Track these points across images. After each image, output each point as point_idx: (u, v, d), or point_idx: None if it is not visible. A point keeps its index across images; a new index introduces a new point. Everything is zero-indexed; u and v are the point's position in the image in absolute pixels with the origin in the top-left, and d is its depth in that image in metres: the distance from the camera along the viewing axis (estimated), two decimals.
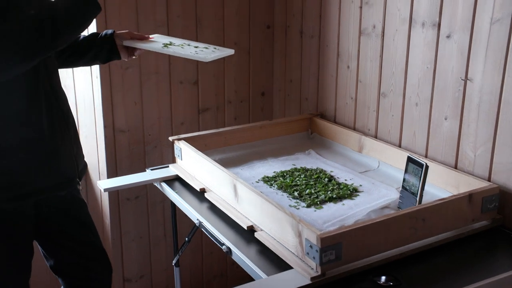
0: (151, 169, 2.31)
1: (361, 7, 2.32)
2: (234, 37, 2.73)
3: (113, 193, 2.58)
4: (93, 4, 1.54)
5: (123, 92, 2.50)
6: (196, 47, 1.87)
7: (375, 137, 2.32)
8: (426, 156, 2.09)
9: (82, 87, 2.60)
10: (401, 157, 2.09)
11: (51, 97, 1.62)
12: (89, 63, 1.88)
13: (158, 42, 1.87)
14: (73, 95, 2.69)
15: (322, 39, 2.57)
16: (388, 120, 2.26)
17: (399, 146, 2.21)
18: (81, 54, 1.81)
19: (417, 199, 1.74)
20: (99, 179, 2.61)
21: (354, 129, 2.44)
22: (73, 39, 1.61)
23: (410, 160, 1.81)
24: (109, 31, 1.84)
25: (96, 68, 2.43)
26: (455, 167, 1.98)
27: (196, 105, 2.72)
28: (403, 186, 1.83)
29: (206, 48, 1.86)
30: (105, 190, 2.12)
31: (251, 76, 2.86)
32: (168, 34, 2.50)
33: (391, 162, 2.17)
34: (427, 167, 1.74)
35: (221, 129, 2.46)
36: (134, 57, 1.89)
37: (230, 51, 1.88)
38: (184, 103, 2.68)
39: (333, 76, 2.54)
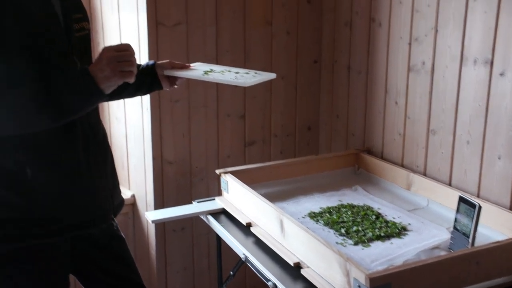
0: (198, 202, 2.33)
1: (410, 44, 2.31)
2: (282, 71, 2.76)
3: (160, 224, 2.61)
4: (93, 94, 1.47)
5: (172, 124, 2.55)
6: (236, 72, 1.85)
7: (424, 174, 2.28)
8: (478, 196, 2.03)
9: (133, 119, 2.67)
10: (451, 196, 2.04)
11: (89, 132, 1.62)
12: (132, 94, 1.89)
13: (198, 70, 1.86)
14: (124, 126, 2.76)
15: (370, 74, 2.56)
16: (437, 157, 2.22)
17: (449, 184, 2.16)
18: (123, 86, 1.83)
19: (470, 240, 1.69)
20: (146, 210, 2.65)
21: (402, 165, 2.41)
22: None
23: (461, 200, 1.77)
24: (150, 62, 1.85)
25: (146, 100, 2.49)
26: (510, 208, 1.91)
27: (243, 138, 2.75)
28: (454, 227, 1.78)
29: (247, 73, 1.84)
30: (153, 221, 2.14)
31: (297, 110, 2.87)
32: None
33: (441, 201, 2.13)
34: (480, 207, 1.69)
35: (267, 163, 2.47)
36: (175, 86, 1.89)
37: (271, 75, 1.85)
38: (231, 136, 2.71)
39: (381, 111, 2.52)
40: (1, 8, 1.35)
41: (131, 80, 1.47)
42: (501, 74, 1.91)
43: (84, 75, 1.42)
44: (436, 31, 2.17)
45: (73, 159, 1.56)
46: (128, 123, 2.73)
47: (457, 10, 2.06)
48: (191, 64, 1.89)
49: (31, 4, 1.42)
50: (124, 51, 1.45)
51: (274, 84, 2.74)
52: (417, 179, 2.26)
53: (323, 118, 2.92)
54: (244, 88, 2.67)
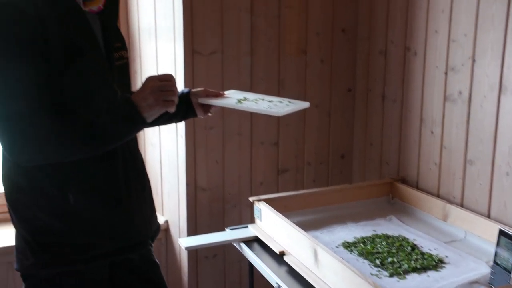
0: (231, 229, 2.33)
1: (446, 73, 2.29)
2: (316, 99, 2.77)
3: (192, 250, 2.61)
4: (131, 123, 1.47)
5: (206, 151, 2.57)
6: (270, 101, 1.84)
7: (461, 205, 2.24)
8: None
9: (167, 146, 2.70)
10: (490, 228, 2.00)
11: (129, 158, 1.64)
12: (167, 121, 1.90)
13: (232, 98, 1.86)
14: (158, 153, 2.80)
15: (405, 103, 2.55)
16: (475, 188, 2.18)
17: (488, 216, 2.11)
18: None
19: None
20: (179, 236, 2.66)
21: (438, 196, 2.37)
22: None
23: (502, 233, 1.72)
24: (185, 90, 1.87)
25: (181, 127, 2.52)
26: None
27: (276, 166, 2.75)
28: (494, 261, 1.74)
29: (280, 102, 1.83)
30: (186, 248, 2.15)
31: (331, 138, 2.86)
32: None
33: (479, 233, 2.08)
34: None
35: (300, 191, 2.46)
36: (210, 114, 1.90)
37: (305, 104, 1.84)
38: (264, 163, 2.71)
39: (416, 141, 2.50)
40: (45, 36, 1.39)
41: (172, 109, 1.50)
42: None
43: (127, 103, 1.45)
44: (474, 60, 2.15)
45: (113, 186, 1.58)
46: (163, 149, 2.76)
47: (495, 39, 2.04)
48: (225, 92, 1.89)
49: (75, 34, 1.46)
50: (167, 81, 1.48)
51: (308, 112, 2.74)
52: (454, 210, 2.21)
53: (357, 147, 2.90)
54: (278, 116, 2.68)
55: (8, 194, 1.58)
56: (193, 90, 1.85)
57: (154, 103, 1.44)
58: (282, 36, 2.63)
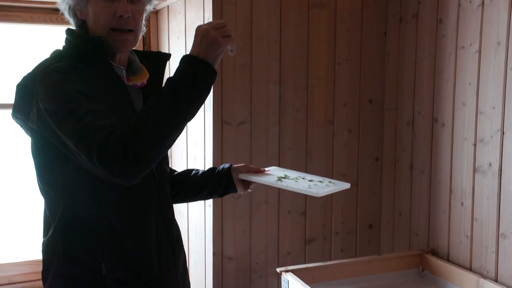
0: None
1: (475, 145, 2.29)
2: (343, 169, 2.77)
3: None
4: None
5: (233, 220, 2.57)
6: (310, 180, 1.82)
7: (495, 280, 2.18)
8: None
9: (195, 215, 2.71)
10: None
11: (162, 231, 1.63)
12: (206, 197, 1.91)
13: (273, 175, 1.86)
14: (186, 221, 2.81)
15: (433, 174, 2.53)
16: (510, 263, 2.12)
17: None
18: (199, 189, 1.85)
19: None
20: None
21: (470, 269, 2.31)
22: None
23: None
24: (226, 166, 1.87)
25: None
26: None
27: (303, 236, 2.73)
28: None
29: (321, 182, 1.81)
30: None
31: (358, 208, 2.84)
32: (279, 164, 2.59)
33: None
34: None
35: (328, 262, 2.43)
36: (249, 190, 1.90)
37: (345, 185, 1.82)
38: (291, 232, 2.70)
39: (446, 212, 2.46)
40: (82, 91, 1.41)
41: (234, 46, 1.39)
42: None
43: (184, 60, 1.35)
44: (503, 133, 2.14)
45: (144, 257, 1.58)
46: (191, 218, 2.77)
47: None
48: (267, 169, 1.89)
49: (116, 107, 1.48)
50: (217, 22, 1.39)
51: None
52: (488, 285, 2.15)
53: (385, 216, 2.87)
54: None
55: (44, 261, 1.59)
56: (234, 165, 1.84)
57: (212, 42, 1.33)
58: (309, 106, 2.67)
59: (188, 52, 1.38)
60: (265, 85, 2.57)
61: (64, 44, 1.54)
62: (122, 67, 1.53)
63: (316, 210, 2.75)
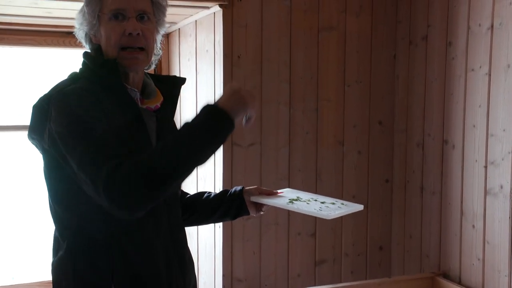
0: None
1: (486, 167, 2.28)
2: (353, 190, 2.77)
3: None
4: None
5: (243, 242, 2.56)
6: (322, 202, 1.79)
7: None
8: None
9: (204, 236, 2.71)
10: None
11: (172, 253, 1.61)
12: (218, 220, 1.89)
13: (285, 197, 1.83)
14: (196, 243, 2.80)
15: (444, 196, 2.52)
16: None
17: None
18: (211, 212, 1.82)
19: None
20: None
21: None
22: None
23: None
24: (238, 188, 1.84)
25: None
26: None
27: (313, 257, 2.71)
28: None
29: (333, 203, 1.78)
30: None
31: (368, 230, 2.83)
32: (289, 185, 2.59)
33: None
34: None
35: (338, 284, 2.42)
36: (262, 212, 1.88)
37: (358, 207, 1.78)
38: (301, 254, 2.68)
39: (457, 234, 2.45)
40: (95, 116, 1.41)
41: (254, 112, 1.45)
42: None
43: (208, 106, 1.38)
44: None
45: (155, 277, 1.57)
46: (200, 239, 2.77)
47: None
48: (280, 191, 1.87)
49: (129, 129, 1.48)
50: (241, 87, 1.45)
51: None
52: None
53: (395, 238, 2.86)
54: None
55: (54, 282, 1.59)
56: (247, 188, 1.82)
57: (240, 100, 1.38)
58: (319, 128, 2.68)
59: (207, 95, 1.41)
60: (275, 106, 2.59)
61: (81, 66, 1.56)
62: (136, 90, 1.54)
63: (326, 231, 2.74)
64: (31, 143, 1.56)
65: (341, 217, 2.73)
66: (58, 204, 1.54)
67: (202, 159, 1.37)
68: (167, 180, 1.32)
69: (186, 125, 1.36)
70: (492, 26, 2.23)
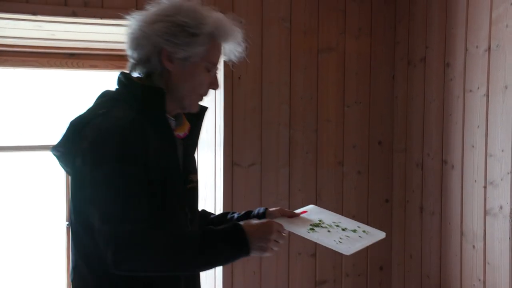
0: None
1: (485, 187, 2.29)
2: (353, 210, 2.78)
3: None
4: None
5: (244, 261, 2.56)
6: (344, 229, 1.72)
7: None
8: None
9: None
10: None
11: (189, 276, 1.59)
12: None
13: (306, 221, 1.76)
14: None
15: (444, 216, 2.53)
16: None
17: None
18: None
19: None
20: None
21: None
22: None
23: None
24: (261, 210, 1.79)
25: None
26: None
27: (313, 277, 2.71)
28: None
29: (355, 231, 1.71)
30: None
31: (369, 250, 2.83)
32: (289, 206, 2.60)
33: None
34: None
35: None
36: (283, 234, 1.85)
37: (379, 235, 1.73)
38: (301, 275, 2.68)
39: (457, 254, 2.45)
40: (134, 157, 1.41)
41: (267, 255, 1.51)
42: None
43: (242, 234, 1.43)
44: None
45: None
46: None
47: None
48: (304, 209, 1.83)
49: (166, 159, 1.49)
50: (280, 233, 1.49)
51: None
52: None
53: (396, 258, 2.85)
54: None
55: None
56: (270, 209, 1.79)
57: (264, 247, 1.45)
58: (319, 148, 2.70)
59: None
60: (275, 127, 2.61)
61: (117, 87, 1.53)
62: (173, 119, 1.54)
63: (327, 251, 2.72)
64: (54, 155, 1.53)
65: None
66: (79, 223, 1.47)
67: (201, 269, 1.48)
68: (162, 266, 1.38)
69: (208, 235, 1.41)
70: (489, 48, 2.25)
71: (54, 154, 1.54)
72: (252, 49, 2.55)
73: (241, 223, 1.47)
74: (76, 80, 3.08)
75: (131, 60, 1.51)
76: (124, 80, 1.51)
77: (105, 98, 1.52)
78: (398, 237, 2.84)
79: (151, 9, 1.50)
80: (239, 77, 2.54)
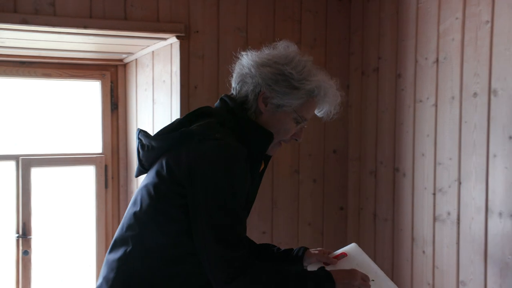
0: None
1: (434, 194, 2.37)
2: (308, 218, 2.82)
3: None
4: None
5: None
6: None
7: None
8: None
9: None
10: None
11: None
12: None
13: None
14: None
15: (396, 222, 2.60)
16: None
17: None
18: None
19: None
20: None
21: None
22: None
23: None
24: (302, 250, 1.82)
25: None
26: None
27: None
28: None
29: None
30: None
31: None
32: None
33: None
34: None
35: None
36: (368, 283, 1.76)
37: None
38: None
39: (408, 260, 2.51)
40: (242, 188, 1.48)
41: None
42: None
43: (330, 281, 1.51)
44: (460, 183, 2.23)
45: None
46: None
47: (478, 164, 2.14)
48: (346, 248, 1.85)
49: (250, 190, 1.58)
50: (365, 282, 1.58)
51: (301, 230, 2.78)
52: None
53: None
54: (271, 231, 2.73)
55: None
56: (311, 251, 1.81)
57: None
58: (275, 157, 2.72)
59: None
60: None
61: (222, 111, 1.57)
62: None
63: None
64: (148, 145, 1.56)
65: (298, 245, 2.77)
66: (152, 220, 1.51)
67: None
68: None
69: (301, 277, 1.50)
70: (437, 60, 2.34)
71: (147, 144, 1.55)
72: (208, 58, 2.57)
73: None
74: (28, 89, 3.04)
75: (232, 91, 1.62)
76: (235, 109, 1.56)
77: (211, 120, 1.55)
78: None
79: (266, 51, 1.62)
80: (195, 87, 2.55)
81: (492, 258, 2.08)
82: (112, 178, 3.12)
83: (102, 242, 3.12)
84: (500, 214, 2.04)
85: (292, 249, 1.83)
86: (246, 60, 1.60)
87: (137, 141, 1.60)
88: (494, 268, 2.07)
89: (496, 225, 2.06)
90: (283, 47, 1.62)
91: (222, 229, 1.43)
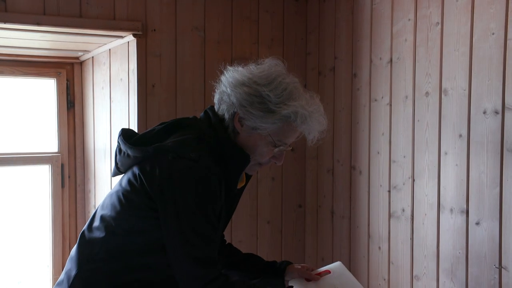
0: None
1: (389, 191, 2.42)
2: (267, 216, 2.84)
3: None
4: None
5: None
6: None
7: None
8: None
9: None
10: None
11: None
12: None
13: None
14: None
15: (353, 219, 2.64)
16: None
17: None
18: (249, 277, 1.79)
19: None
20: None
21: None
22: None
23: None
24: (284, 263, 1.81)
25: None
26: None
27: None
28: None
29: None
30: None
31: (283, 254, 2.90)
32: None
33: None
34: None
35: None
36: None
37: None
38: None
39: (365, 256, 2.57)
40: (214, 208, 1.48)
41: None
42: (477, 224, 2.00)
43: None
44: (413, 180, 2.29)
45: None
46: None
47: (430, 162, 2.20)
48: (331, 266, 1.82)
49: (226, 207, 1.58)
50: None
51: (260, 228, 2.80)
52: None
53: (308, 261, 2.94)
54: (231, 230, 2.73)
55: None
56: (294, 266, 1.79)
57: None
58: None
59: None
60: None
61: (203, 127, 1.55)
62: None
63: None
64: (120, 144, 1.55)
65: (256, 242, 2.80)
66: (119, 226, 1.51)
67: None
68: None
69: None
70: (391, 60, 2.39)
71: (124, 150, 1.54)
72: (166, 57, 2.56)
73: None
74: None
75: (215, 106, 1.59)
76: (216, 125, 1.54)
77: (191, 134, 1.53)
78: (310, 241, 2.93)
79: (251, 68, 1.57)
80: (153, 85, 2.54)
81: (444, 253, 2.15)
82: (69, 177, 3.07)
83: (59, 242, 3.06)
84: (451, 210, 2.11)
85: (275, 261, 1.83)
86: (226, 77, 1.58)
87: (117, 143, 1.59)
88: (445, 263, 2.14)
89: (447, 220, 2.13)
90: (268, 66, 1.58)
91: (193, 249, 1.46)
